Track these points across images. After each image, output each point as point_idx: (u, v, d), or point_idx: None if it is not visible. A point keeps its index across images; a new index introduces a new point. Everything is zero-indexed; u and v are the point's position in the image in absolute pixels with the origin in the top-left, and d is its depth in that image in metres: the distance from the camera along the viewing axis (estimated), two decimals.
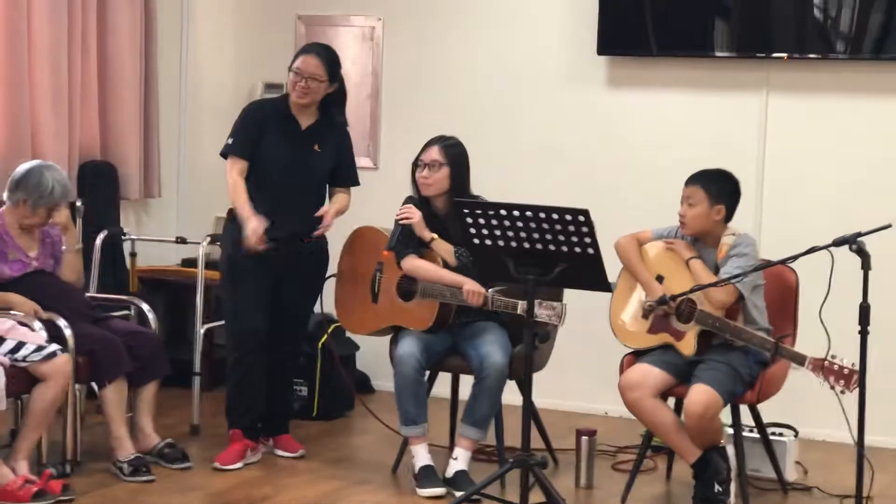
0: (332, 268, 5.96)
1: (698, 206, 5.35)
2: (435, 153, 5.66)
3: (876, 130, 6.52)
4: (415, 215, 5.63)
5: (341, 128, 5.90)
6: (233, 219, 5.80)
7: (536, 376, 5.31)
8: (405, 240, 5.66)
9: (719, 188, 5.38)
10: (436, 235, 5.63)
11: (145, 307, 6.14)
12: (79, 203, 6.65)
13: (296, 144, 5.76)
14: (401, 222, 5.66)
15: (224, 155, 5.79)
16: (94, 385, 5.78)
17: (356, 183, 5.97)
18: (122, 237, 6.77)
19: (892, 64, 6.43)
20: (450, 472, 5.50)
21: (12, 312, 5.43)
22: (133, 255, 6.76)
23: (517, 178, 6.98)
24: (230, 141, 5.78)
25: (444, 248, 5.63)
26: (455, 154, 5.68)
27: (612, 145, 6.97)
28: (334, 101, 5.83)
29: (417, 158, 5.71)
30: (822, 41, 6.54)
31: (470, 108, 7.17)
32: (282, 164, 5.73)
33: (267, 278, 5.76)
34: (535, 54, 7.10)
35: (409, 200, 5.73)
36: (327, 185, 5.92)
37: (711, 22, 6.72)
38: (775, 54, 6.58)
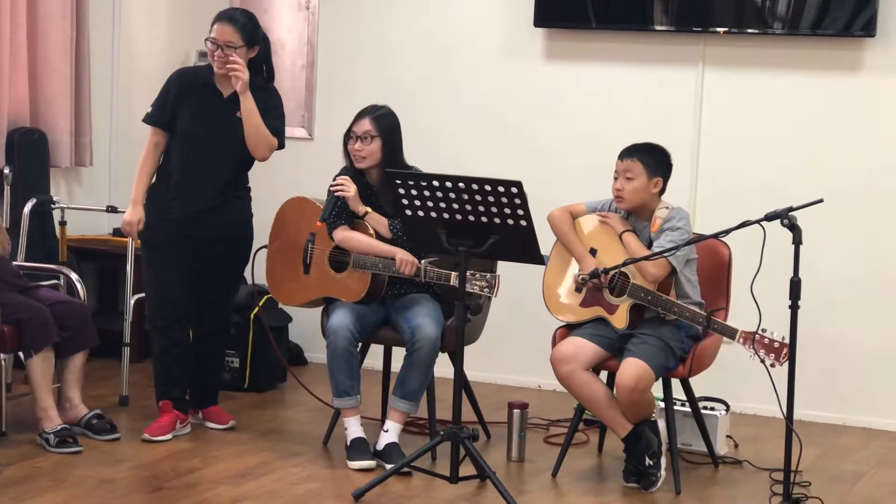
0: (263, 239, 5.90)
1: (637, 180, 5.33)
2: (367, 125, 5.60)
3: (811, 106, 6.54)
4: (350, 189, 5.58)
5: (269, 89, 5.77)
6: (154, 190, 5.76)
7: (469, 349, 5.29)
8: (338, 211, 5.61)
9: (656, 161, 5.38)
10: (369, 209, 5.58)
11: (74, 277, 6.07)
12: (7, 170, 6.56)
13: (214, 114, 5.67)
14: (336, 194, 5.60)
15: (144, 122, 5.77)
16: (20, 355, 5.69)
17: (276, 138, 5.73)
18: (52, 205, 6.68)
19: (829, 41, 6.45)
20: (380, 445, 5.47)
21: None
22: (63, 223, 6.66)
23: (453, 149, 6.96)
24: (150, 110, 5.76)
25: (379, 221, 5.58)
26: (387, 124, 5.63)
27: (548, 118, 6.95)
28: (259, 64, 5.71)
29: (349, 130, 5.66)
30: (760, 17, 6.55)
31: (406, 79, 7.13)
32: (196, 134, 5.67)
33: (185, 250, 5.71)
34: (471, 25, 7.07)
35: (343, 172, 5.68)
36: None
37: None
38: (713, 29, 6.58)
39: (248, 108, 5.57)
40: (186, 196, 5.68)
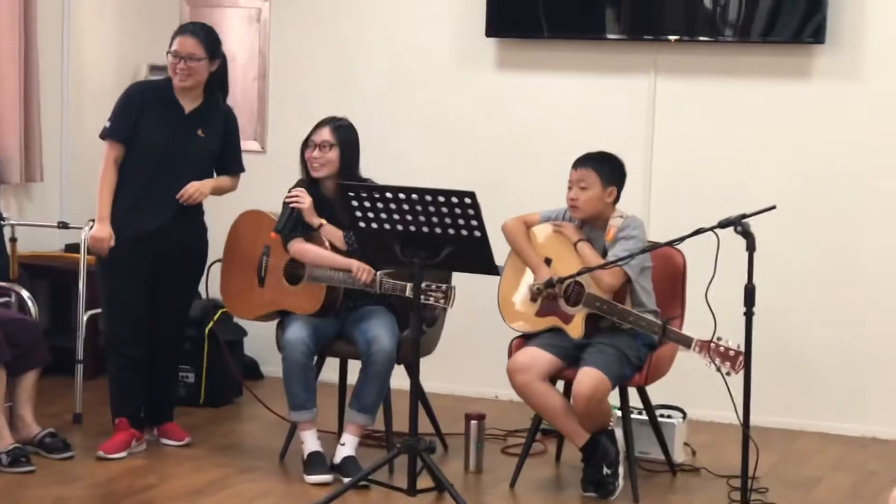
0: (217, 253, 5.86)
1: (591, 189, 5.34)
2: (326, 134, 5.60)
3: (763, 114, 6.57)
4: (305, 200, 5.56)
5: (228, 112, 5.80)
6: (112, 205, 5.68)
7: (425, 360, 5.27)
8: (293, 223, 5.58)
9: (610, 170, 5.39)
10: (324, 221, 5.57)
11: (25, 294, 6.01)
12: None
13: (177, 129, 5.64)
14: (291, 206, 5.58)
15: (102, 137, 5.68)
16: None
17: (241, 170, 5.88)
18: (2, 222, 6.59)
19: (780, 47, 6.49)
20: (338, 458, 5.44)
21: None
22: (13, 240, 6.58)
23: (406, 160, 6.95)
24: (108, 124, 5.67)
25: (334, 234, 5.56)
26: (346, 135, 5.63)
27: (501, 128, 6.95)
28: (217, 81, 5.72)
29: (308, 138, 5.64)
30: (711, 24, 6.58)
31: (358, 91, 7.12)
32: (159, 149, 5.62)
33: (143, 266, 5.66)
34: (423, 36, 7.07)
35: (299, 184, 5.66)
36: (214, 172, 5.81)
37: (602, 4, 6.71)
38: (664, 37, 6.60)
39: (215, 188, 5.76)
40: (147, 211, 5.62)
